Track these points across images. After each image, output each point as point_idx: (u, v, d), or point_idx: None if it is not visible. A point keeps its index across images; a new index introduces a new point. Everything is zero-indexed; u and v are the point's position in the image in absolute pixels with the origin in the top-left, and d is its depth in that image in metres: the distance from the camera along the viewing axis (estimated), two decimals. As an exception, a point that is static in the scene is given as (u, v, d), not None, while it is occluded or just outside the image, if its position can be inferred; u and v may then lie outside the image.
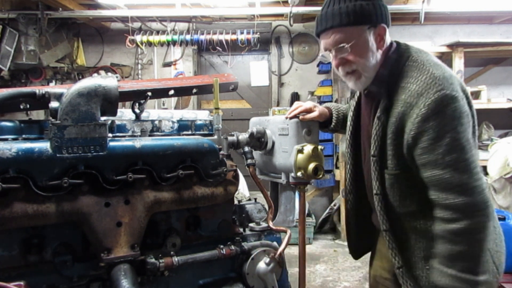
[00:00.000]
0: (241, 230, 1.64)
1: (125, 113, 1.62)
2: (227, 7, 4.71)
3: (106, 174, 1.26)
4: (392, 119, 1.29)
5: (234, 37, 4.77)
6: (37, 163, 1.16)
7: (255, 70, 5.45)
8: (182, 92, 1.84)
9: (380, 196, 1.36)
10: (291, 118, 1.60)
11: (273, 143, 1.71)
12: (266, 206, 1.75)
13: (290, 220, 1.79)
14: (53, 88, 1.38)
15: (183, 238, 1.46)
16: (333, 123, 1.70)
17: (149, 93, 1.60)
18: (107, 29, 5.29)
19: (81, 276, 1.28)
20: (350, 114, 1.58)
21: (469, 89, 3.21)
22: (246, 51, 5.03)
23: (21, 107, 1.43)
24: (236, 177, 1.55)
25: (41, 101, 1.33)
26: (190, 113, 1.79)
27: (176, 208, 1.42)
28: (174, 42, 4.85)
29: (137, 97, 1.61)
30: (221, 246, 1.46)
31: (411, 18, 4.95)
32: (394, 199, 1.34)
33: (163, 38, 4.80)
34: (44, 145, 1.18)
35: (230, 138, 1.65)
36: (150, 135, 1.56)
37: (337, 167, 4.71)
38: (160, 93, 1.68)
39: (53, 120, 1.24)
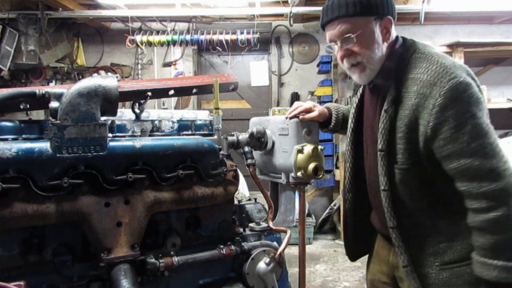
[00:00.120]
0: (241, 230, 1.64)
1: (125, 113, 1.62)
2: (227, 7, 4.71)
3: (106, 174, 1.26)
4: (403, 111, 1.26)
5: (234, 37, 4.77)
6: (37, 163, 1.16)
7: (255, 70, 5.46)
8: (182, 92, 1.84)
9: (389, 192, 1.32)
10: (291, 118, 1.60)
11: (273, 143, 1.71)
12: (266, 206, 1.74)
13: (290, 220, 1.79)
14: (53, 88, 1.38)
15: (183, 238, 1.46)
16: (332, 123, 1.70)
17: (149, 93, 1.60)
18: (107, 29, 5.29)
19: (81, 276, 1.28)
20: (352, 111, 1.55)
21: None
22: (246, 51, 5.03)
23: (21, 107, 1.43)
24: (236, 177, 1.55)
25: (41, 101, 1.33)
26: (190, 113, 1.79)
27: (176, 208, 1.42)
28: (174, 42, 4.85)
29: (137, 97, 1.61)
30: (221, 246, 1.46)
31: (411, 18, 4.96)
32: (404, 194, 1.31)
33: (163, 38, 4.81)
34: (44, 145, 1.18)
35: (230, 138, 1.64)
36: (150, 135, 1.56)
37: (337, 167, 4.71)
38: (160, 93, 1.68)
39: (53, 120, 1.24)
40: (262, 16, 4.89)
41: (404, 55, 1.32)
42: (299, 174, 1.56)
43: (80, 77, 5.12)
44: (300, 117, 1.60)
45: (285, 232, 1.60)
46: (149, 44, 4.86)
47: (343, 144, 4.44)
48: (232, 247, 1.48)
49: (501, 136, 4.38)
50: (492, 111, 1.28)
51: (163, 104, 4.74)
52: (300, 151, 1.56)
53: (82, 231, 1.27)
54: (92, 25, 5.20)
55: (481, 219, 1.18)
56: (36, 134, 1.40)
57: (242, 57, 5.47)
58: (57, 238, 1.29)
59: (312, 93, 5.10)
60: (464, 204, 1.22)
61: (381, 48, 1.32)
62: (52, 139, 1.19)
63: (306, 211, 4.49)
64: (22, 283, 0.98)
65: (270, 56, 5.46)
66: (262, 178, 1.84)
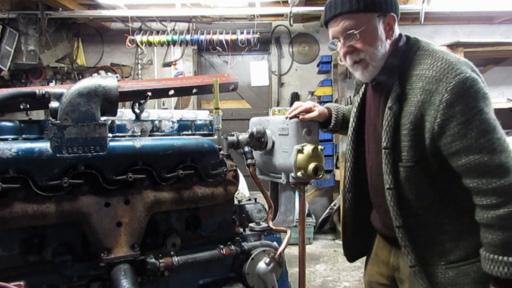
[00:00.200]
0: (241, 230, 1.64)
1: (125, 113, 1.62)
2: (227, 7, 4.71)
3: (106, 174, 1.26)
4: (408, 108, 1.25)
5: (234, 37, 4.77)
6: (37, 163, 1.16)
7: (255, 70, 5.46)
8: (182, 92, 1.84)
9: (394, 190, 1.30)
10: (291, 118, 1.60)
11: (273, 143, 1.71)
12: (266, 206, 1.74)
13: (290, 220, 1.79)
14: (53, 88, 1.38)
15: (183, 238, 1.46)
16: (332, 123, 1.69)
17: (149, 93, 1.60)
18: (107, 29, 5.29)
19: (81, 276, 1.28)
20: (354, 110, 1.54)
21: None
22: (246, 51, 5.03)
23: (21, 107, 1.43)
24: (236, 177, 1.54)
25: (41, 101, 1.33)
26: (190, 113, 1.79)
27: (176, 208, 1.42)
28: (174, 42, 4.85)
29: (137, 97, 1.60)
30: (221, 246, 1.46)
31: (411, 18, 4.96)
32: (409, 192, 1.30)
33: (163, 38, 4.81)
34: (44, 145, 1.18)
35: (230, 138, 1.64)
36: (150, 135, 1.56)
37: (337, 167, 4.71)
38: (160, 93, 1.68)
39: (53, 120, 1.24)
40: (262, 16, 4.89)
41: (407, 52, 1.32)
42: (299, 174, 1.55)
43: (80, 77, 5.12)
44: (300, 117, 1.60)
45: (285, 232, 1.60)
46: (149, 44, 4.86)
47: (343, 144, 4.44)
48: (232, 247, 1.48)
49: (501, 136, 4.38)
50: (492, 111, 1.28)
51: (163, 104, 4.74)
52: (300, 151, 1.55)
53: (82, 231, 1.27)
54: (92, 25, 5.20)
55: (491, 216, 1.17)
56: (36, 134, 1.40)
57: (242, 57, 5.47)
58: (57, 238, 1.29)
59: (312, 93, 5.10)
60: (470, 202, 1.22)
61: (384, 45, 1.32)
62: (52, 139, 1.19)
63: (306, 211, 4.49)
64: (22, 283, 0.98)
65: (270, 56, 5.46)
66: (262, 178, 1.84)
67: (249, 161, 1.68)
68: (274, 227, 1.65)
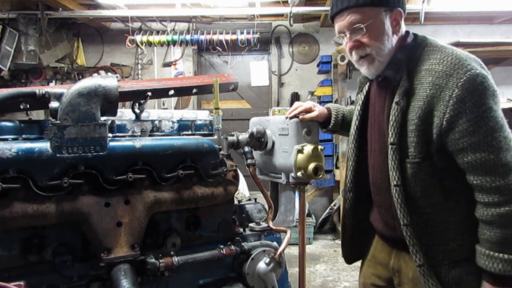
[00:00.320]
0: (241, 230, 1.64)
1: (125, 113, 1.62)
2: (227, 7, 4.71)
3: (106, 174, 1.26)
4: (417, 103, 1.24)
5: (234, 37, 4.77)
6: (37, 163, 1.16)
7: (255, 70, 5.46)
8: (182, 92, 1.84)
9: (401, 187, 1.28)
10: (291, 118, 1.60)
11: (273, 143, 1.71)
12: (266, 206, 1.74)
13: (290, 220, 1.79)
14: (53, 88, 1.38)
15: (183, 238, 1.46)
16: (331, 123, 1.69)
17: (149, 93, 1.60)
18: (107, 29, 5.29)
19: (81, 276, 1.28)
20: (358, 108, 1.52)
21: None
22: (246, 51, 5.03)
23: (21, 107, 1.43)
24: (236, 177, 1.54)
25: (41, 101, 1.33)
26: (190, 113, 1.79)
27: (176, 208, 1.42)
28: (174, 42, 4.85)
29: (137, 97, 1.61)
30: (221, 246, 1.46)
31: (411, 18, 4.96)
32: (416, 189, 1.28)
33: (163, 38, 4.81)
34: (44, 145, 1.18)
35: (230, 138, 1.65)
36: (150, 135, 1.56)
37: (337, 167, 4.71)
38: (160, 93, 1.68)
39: (53, 120, 1.24)
40: (262, 16, 4.89)
41: (416, 48, 1.31)
42: (299, 174, 1.55)
43: (80, 77, 5.12)
44: (300, 117, 1.60)
45: (285, 232, 1.60)
46: (149, 44, 4.86)
47: (343, 144, 4.44)
48: (232, 247, 1.48)
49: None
50: (492, 111, 1.28)
51: (163, 104, 4.74)
52: (300, 151, 1.55)
53: (82, 231, 1.27)
54: (92, 25, 5.20)
55: (491, 213, 1.18)
56: (36, 134, 1.40)
57: (242, 57, 5.47)
58: (57, 238, 1.28)
59: (312, 93, 5.10)
60: (475, 201, 1.22)
61: (391, 40, 1.31)
62: (52, 139, 1.19)
63: (306, 211, 4.49)
64: (22, 283, 0.98)
65: (270, 56, 5.46)
66: (262, 178, 1.84)
67: (249, 161, 1.68)
68: (274, 227, 1.65)
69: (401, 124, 1.27)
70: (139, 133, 1.55)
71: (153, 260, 1.31)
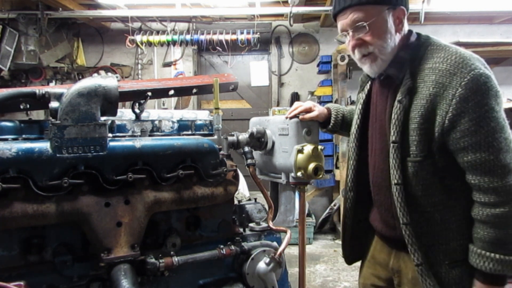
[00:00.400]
0: (241, 230, 1.64)
1: (125, 113, 1.62)
2: (227, 7, 4.71)
3: (106, 174, 1.26)
4: (419, 101, 1.24)
5: (234, 37, 4.77)
6: (37, 163, 1.16)
7: (255, 70, 5.46)
8: (182, 92, 1.84)
9: (402, 186, 1.28)
10: (291, 118, 1.60)
11: (273, 143, 1.71)
12: (266, 206, 1.74)
13: (290, 220, 1.79)
14: (53, 88, 1.38)
15: (183, 238, 1.46)
16: (331, 123, 1.69)
17: (149, 93, 1.60)
18: (107, 29, 5.29)
19: (81, 276, 1.28)
20: (359, 107, 1.51)
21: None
22: (246, 51, 5.03)
23: (21, 107, 1.43)
24: (236, 177, 1.54)
25: (41, 101, 1.33)
26: (190, 113, 1.79)
27: (176, 208, 1.42)
28: (174, 42, 4.85)
29: (137, 97, 1.61)
30: (221, 246, 1.46)
31: (411, 18, 4.92)
32: (417, 188, 1.28)
33: (163, 38, 4.81)
34: (44, 145, 1.18)
35: (230, 138, 1.65)
36: (150, 135, 1.56)
37: (337, 167, 4.71)
38: (160, 93, 1.68)
39: (53, 120, 1.24)
40: (262, 16, 4.89)
41: (419, 47, 1.31)
42: (299, 174, 1.55)
43: (80, 77, 5.12)
44: (300, 117, 1.60)
45: (285, 232, 1.60)
46: (149, 44, 4.86)
47: (344, 144, 4.44)
48: (232, 247, 1.48)
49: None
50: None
51: (163, 104, 4.74)
52: (300, 151, 1.55)
53: (82, 231, 1.27)
54: (92, 25, 5.20)
55: (487, 213, 1.19)
56: (36, 134, 1.40)
57: (242, 57, 5.47)
58: (57, 238, 1.29)
59: (312, 93, 5.10)
60: (472, 198, 1.23)
61: (394, 39, 1.31)
62: (52, 139, 1.19)
63: (306, 211, 4.49)
64: (22, 283, 0.98)
65: (270, 56, 5.46)
66: (262, 178, 1.84)
67: (249, 161, 1.68)
68: (274, 227, 1.65)
69: (403, 123, 1.27)
70: (139, 133, 1.55)
71: (153, 260, 1.31)
